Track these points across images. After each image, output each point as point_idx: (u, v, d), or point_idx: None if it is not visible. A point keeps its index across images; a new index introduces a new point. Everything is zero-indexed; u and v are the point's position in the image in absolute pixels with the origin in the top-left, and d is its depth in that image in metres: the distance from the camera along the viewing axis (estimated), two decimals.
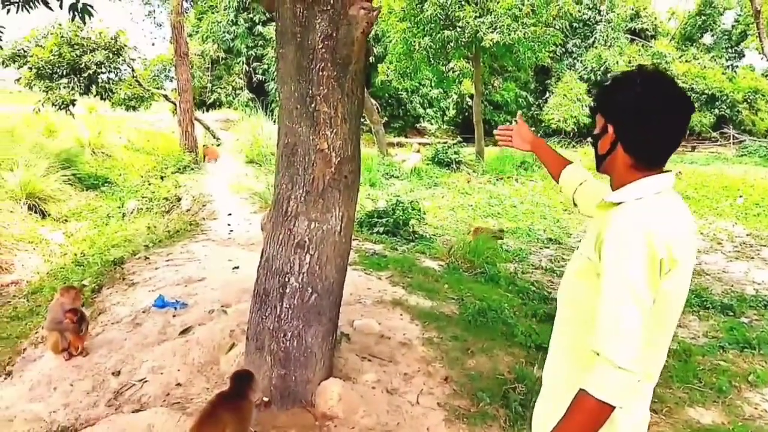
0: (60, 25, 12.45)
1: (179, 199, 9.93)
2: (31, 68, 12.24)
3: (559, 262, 8.14)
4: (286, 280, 2.63)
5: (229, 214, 8.40)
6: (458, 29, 14.03)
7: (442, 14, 14.04)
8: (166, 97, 16.25)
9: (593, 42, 22.14)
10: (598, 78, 21.30)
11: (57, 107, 12.30)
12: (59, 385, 3.19)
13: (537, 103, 23.63)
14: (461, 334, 3.93)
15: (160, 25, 33.45)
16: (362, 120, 3.41)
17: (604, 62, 21.21)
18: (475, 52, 15.39)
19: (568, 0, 13.96)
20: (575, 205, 1.74)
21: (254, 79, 23.58)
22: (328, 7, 2.35)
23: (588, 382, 1.18)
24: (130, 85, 14.83)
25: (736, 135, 21.91)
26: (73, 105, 12.57)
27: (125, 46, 13.32)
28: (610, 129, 1.32)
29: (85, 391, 3.13)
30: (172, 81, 18.30)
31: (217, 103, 23.49)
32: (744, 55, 27.18)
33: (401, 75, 16.99)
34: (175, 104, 14.53)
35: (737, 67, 26.60)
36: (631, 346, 1.15)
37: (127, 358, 3.43)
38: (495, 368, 3.42)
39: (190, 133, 13.21)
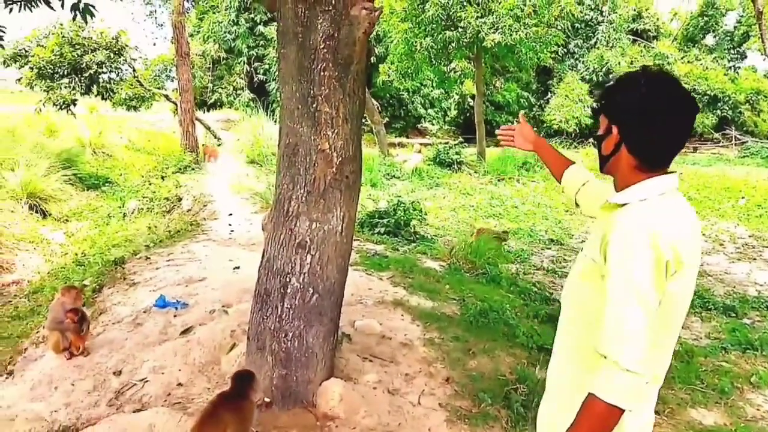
0: (61, 25, 12.49)
1: (180, 199, 9.93)
2: (32, 68, 12.28)
3: (560, 263, 8.12)
4: (288, 280, 2.63)
5: (230, 215, 8.40)
6: (460, 30, 14.00)
7: (444, 15, 14.02)
8: (167, 97, 16.27)
9: (595, 43, 22.12)
10: (600, 79, 21.28)
11: (58, 107, 12.34)
12: (60, 384, 3.20)
13: (539, 103, 23.60)
14: (462, 334, 3.92)
15: (162, 25, 33.42)
16: (363, 120, 3.40)
17: (606, 63, 21.19)
18: (477, 53, 15.36)
19: (570, 0, 13.93)
20: (577, 205, 1.73)
21: (255, 79, 23.58)
22: (330, 8, 2.34)
23: (595, 385, 1.17)
24: (131, 85, 14.84)
25: (738, 136, 21.91)
26: (74, 105, 12.60)
27: (126, 46, 13.35)
28: (615, 130, 1.31)
29: (86, 390, 3.13)
30: (173, 81, 18.33)
31: (218, 103, 23.52)
32: (746, 57, 27.15)
33: (402, 75, 16.94)
34: (176, 104, 14.57)
35: (739, 68, 26.57)
36: (638, 348, 1.14)
37: (128, 358, 3.43)
38: (496, 369, 3.42)
39: (191, 133, 13.21)
